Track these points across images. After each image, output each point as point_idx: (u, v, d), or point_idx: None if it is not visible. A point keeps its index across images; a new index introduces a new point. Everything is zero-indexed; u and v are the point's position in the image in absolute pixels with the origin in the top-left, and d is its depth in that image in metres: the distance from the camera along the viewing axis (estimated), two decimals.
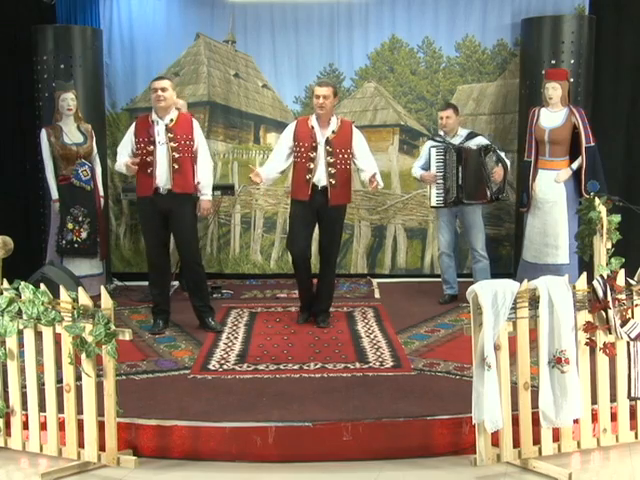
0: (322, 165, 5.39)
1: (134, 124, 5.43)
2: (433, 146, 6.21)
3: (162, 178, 5.27)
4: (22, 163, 7.23)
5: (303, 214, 5.50)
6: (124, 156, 5.37)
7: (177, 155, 5.27)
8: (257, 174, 5.45)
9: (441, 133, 6.32)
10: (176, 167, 5.27)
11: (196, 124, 5.46)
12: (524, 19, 7.04)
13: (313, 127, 5.43)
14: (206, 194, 5.50)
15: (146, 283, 5.94)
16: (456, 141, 6.19)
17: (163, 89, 5.23)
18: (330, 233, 5.57)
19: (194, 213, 5.56)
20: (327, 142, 5.40)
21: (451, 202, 6.13)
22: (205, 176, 5.47)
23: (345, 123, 5.55)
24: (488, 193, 6.12)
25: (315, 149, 5.39)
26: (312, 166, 5.39)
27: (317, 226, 5.62)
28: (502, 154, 6.21)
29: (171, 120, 5.31)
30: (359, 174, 5.66)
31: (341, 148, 5.42)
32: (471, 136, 6.24)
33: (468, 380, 4.16)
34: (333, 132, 5.42)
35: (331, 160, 5.38)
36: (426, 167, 6.25)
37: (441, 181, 6.13)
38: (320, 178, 5.40)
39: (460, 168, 6.09)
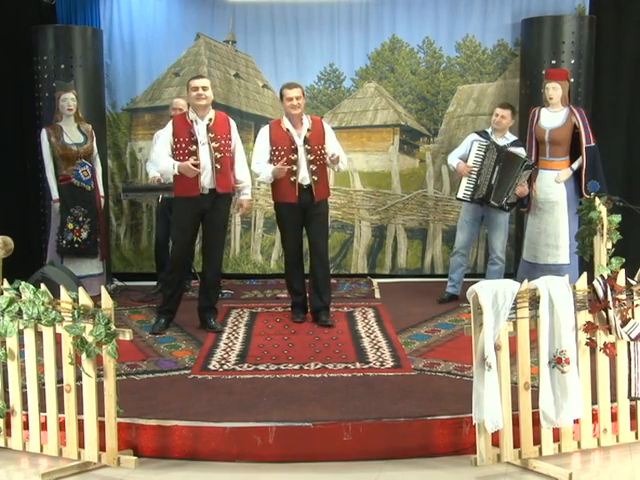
0: (304, 164, 5.45)
1: (171, 124, 5.35)
2: (476, 140, 6.16)
3: (206, 178, 5.26)
4: (22, 163, 7.23)
5: (292, 216, 5.57)
6: (168, 158, 5.26)
7: (219, 155, 5.27)
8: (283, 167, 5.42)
9: (488, 130, 6.27)
10: (218, 167, 5.27)
11: (233, 123, 5.48)
12: (524, 19, 7.04)
13: (288, 129, 5.49)
14: (247, 194, 5.57)
15: (146, 283, 5.94)
16: (501, 142, 6.14)
17: (204, 88, 5.23)
18: (319, 228, 5.64)
19: (229, 213, 5.58)
20: (305, 141, 5.46)
21: (477, 199, 6.11)
22: (246, 176, 5.53)
23: (316, 120, 5.63)
24: (503, 200, 6.05)
25: (296, 151, 5.46)
26: (295, 168, 5.44)
27: (305, 225, 5.65)
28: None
29: (210, 119, 5.30)
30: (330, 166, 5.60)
31: (317, 144, 5.50)
32: (516, 144, 6.17)
33: (468, 380, 4.16)
34: (308, 130, 5.49)
35: (311, 158, 5.45)
36: (464, 158, 6.20)
37: (474, 176, 6.10)
38: (304, 177, 5.47)
39: (497, 168, 6.02)
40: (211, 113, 5.34)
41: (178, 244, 5.52)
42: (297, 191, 5.46)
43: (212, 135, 5.27)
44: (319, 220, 5.62)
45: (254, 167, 5.63)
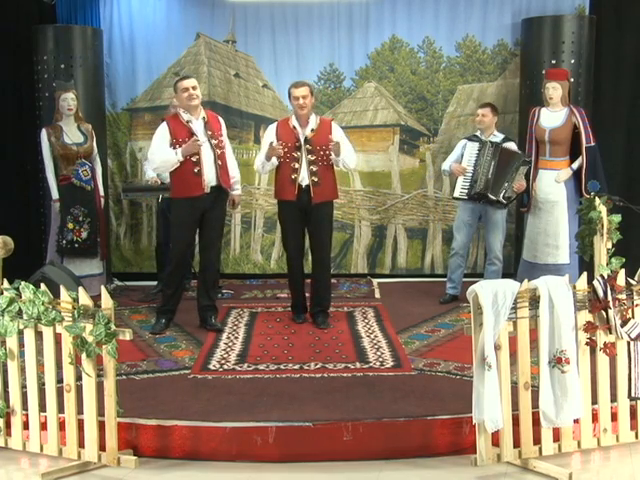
0: (304, 164, 5.44)
1: (165, 125, 5.28)
2: (470, 140, 6.22)
3: (209, 176, 5.29)
4: (22, 163, 7.23)
5: (292, 214, 5.55)
6: (168, 149, 5.19)
7: (219, 151, 5.34)
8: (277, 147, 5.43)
9: (477, 133, 6.31)
10: (220, 163, 5.33)
11: (222, 120, 5.53)
12: (524, 19, 7.04)
13: (295, 127, 5.48)
14: (237, 189, 5.63)
15: (146, 283, 5.93)
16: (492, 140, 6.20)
17: (194, 87, 5.24)
18: (319, 232, 5.60)
19: (226, 210, 5.63)
20: (306, 141, 5.44)
21: (475, 194, 6.11)
22: (236, 172, 5.60)
23: (324, 121, 5.60)
24: (500, 194, 6.08)
25: (299, 149, 5.44)
26: (297, 166, 5.43)
27: (307, 227, 5.63)
28: None
29: (204, 118, 5.33)
30: (335, 162, 5.52)
31: (321, 145, 5.45)
32: (507, 140, 6.25)
33: (468, 380, 4.16)
34: (312, 130, 5.46)
35: (312, 158, 5.43)
36: (457, 162, 6.25)
37: (469, 175, 6.14)
38: (303, 177, 5.45)
39: (493, 163, 6.07)
40: (203, 112, 5.37)
41: (179, 244, 5.49)
42: (296, 190, 5.45)
43: (210, 133, 5.31)
44: (320, 223, 5.57)
45: (255, 162, 5.68)
